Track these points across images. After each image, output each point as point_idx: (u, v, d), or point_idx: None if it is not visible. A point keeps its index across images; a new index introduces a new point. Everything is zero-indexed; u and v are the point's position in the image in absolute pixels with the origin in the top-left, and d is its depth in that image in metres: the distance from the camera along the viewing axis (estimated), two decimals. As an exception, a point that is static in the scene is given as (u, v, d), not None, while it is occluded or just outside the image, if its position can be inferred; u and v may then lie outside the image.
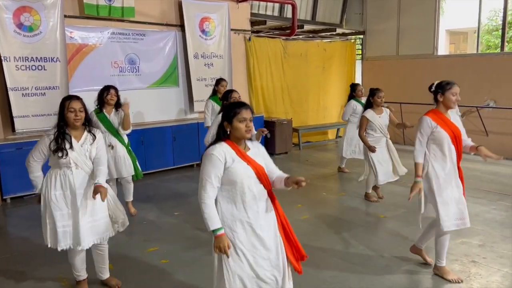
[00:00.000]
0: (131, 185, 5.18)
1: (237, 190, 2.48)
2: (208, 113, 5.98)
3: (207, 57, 7.91)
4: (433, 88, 3.50)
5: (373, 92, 5.32)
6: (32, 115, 6.12)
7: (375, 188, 5.77)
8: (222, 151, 2.44)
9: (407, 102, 9.08)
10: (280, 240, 2.62)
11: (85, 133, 3.24)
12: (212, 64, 7.99)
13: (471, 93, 8.66)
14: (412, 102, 8.84)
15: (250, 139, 2.65)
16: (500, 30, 9.29)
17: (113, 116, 4.87)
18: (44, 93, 6.20)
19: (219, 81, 6.14)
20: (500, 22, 8.95)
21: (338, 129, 10.71)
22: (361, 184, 6.71)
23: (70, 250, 3.25)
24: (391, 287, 3.47)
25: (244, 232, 2.49)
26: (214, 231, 2.41)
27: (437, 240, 3.54)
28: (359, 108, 6.59)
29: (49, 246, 3.18)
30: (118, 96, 4.86)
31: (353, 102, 6.83)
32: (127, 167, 4.97)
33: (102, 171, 3.26)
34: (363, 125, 5.31)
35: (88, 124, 3.27)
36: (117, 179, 5.08)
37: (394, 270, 3.77)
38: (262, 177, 2.53)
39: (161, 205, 5.73)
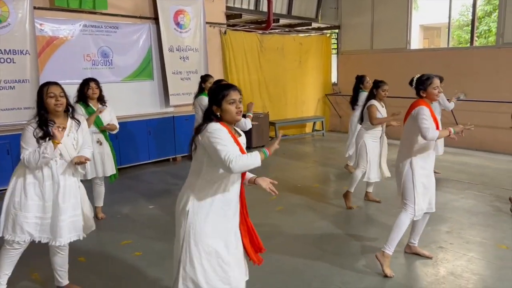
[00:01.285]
0: (103, 189, 4.94)
1: (222, 174, 2.39)
2: (201, 111, 5.83)
3: (182, 50, 7.86)
4: (414, 84, 3.58)
5: (377, 85, 5.06)
6: (1, 109, 5.97)
7: (367, 192, 5.45)
8: (224, 127, 2.35)
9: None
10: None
11: (69, 120, 3.06)
12: (187, 57, 7.94)
13: (442, 86, 8.87)
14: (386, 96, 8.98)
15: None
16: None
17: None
18: (14, 86, 6.05)
19: (205, 78, 5.91)
20: (471, 18, 9.18)
21: (314, 123, 10.82)
22: (336, 176, 6.83)
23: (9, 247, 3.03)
24: (360, 272, 3.54)
25: (217, 216, 2.43)
26: (264, 153, 2.41)
27: (395, 225, 3.57)
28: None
29: (1, 235, 2.97)
30: (100, 89, 4.67)
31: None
32: (111, 165, 4.79)
33: (85, 151, 3.15)
34: (374, 113, 4.92)
35: (71, 110, 3.09)
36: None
37: (365, 255, 3.85)
38: None
39: (136, 199, 5.68)
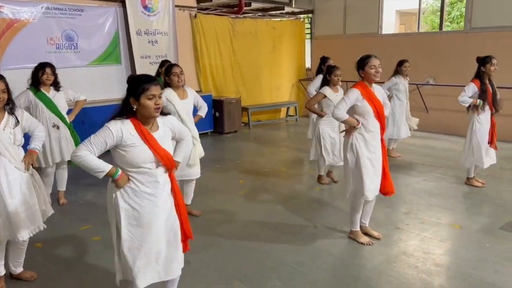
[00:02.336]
0: (66, 173, 4.89)
1: (137, 173, 2.38)
2: None
3: (150, 34, 7.73)
4: (356, 66, 3.60)
5: (329, 70, 5.10)
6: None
7: (329, 172, 5.62)
8: (121, 130, 2.31)
9: (354, 80, 9.27)
10: (177, 222, 2.57)
11: (6, 115, 2.97)
12: (156, 41, 7.81)
13: (412, 71, 8.93)
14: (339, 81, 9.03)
15: (165, 114, 2.60)
16: (441, 10, 9.59)
17: (53, 93, 4.53)
18: (-28, 70, 5.87)
19: (163, 63, 5.83)
20: (441, 3, 9.25)
21: (288, 108, 10.84)
22: (305, 160, 6.87)
23: None
24: (314, 254, 3.60)
25: (143, 212, 2.42)
26: (113, 175, 2.34)
27: (353, 207, 3.74)
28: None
29: None
30: (55, 75, 4.53)
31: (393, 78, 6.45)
32: (71, 149, 4.64)
33: (37, 136, 3.17)
34: (317, 99, 5.04)
35: (11, 105, 3.01)
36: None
37: (321, 238, 3.90)
38: (165, 161, 2.43)
39: (101, 185, 5.60)
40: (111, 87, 7.46)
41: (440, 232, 3.99)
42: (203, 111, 4.54)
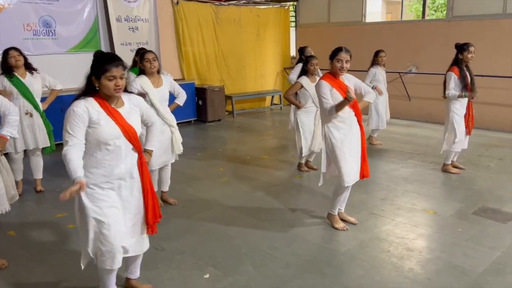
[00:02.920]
0: (41, 160, 4.83)
1: (103, 150, 2.38)
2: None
3: (131, 20, 7.62)
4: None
5: (306, 60, 5.11)
6: None
7: (307, 161, 5.62)
8: (86, 107, 2.31)
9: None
10: (142, 203, 2.58)
11: None
12: (137, 28, 7.71)
13: (395, 59, 8.99)
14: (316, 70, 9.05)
15: (131, 92, 2.59)
16: (425, -1, 9.62)
17: (29, 79, 4.47)
18: None
19: (138, 51, 5.71)
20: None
21: (272, 97, 10.82)
22: (287, 148, 6.89)
23: None
24: (289, 240, 3.62)
25: (109, 192, 2.44)
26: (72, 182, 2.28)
27: (335, 192, 3.76)
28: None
29: None
30: (24, 57, 4.46)
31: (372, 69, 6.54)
32: (44, 137, 4.64)
33: (10, 121, 3.16)
34: (295, 89, 5.05)
35: None
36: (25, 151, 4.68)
37: (297, 224, 3.93)
38: (131, 138, 2.44)
39: (80, 173, 5.57)
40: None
41: (414, 217, 4.05)
42: (181, 99, 4.44)
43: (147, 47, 7.98)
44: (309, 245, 3.54)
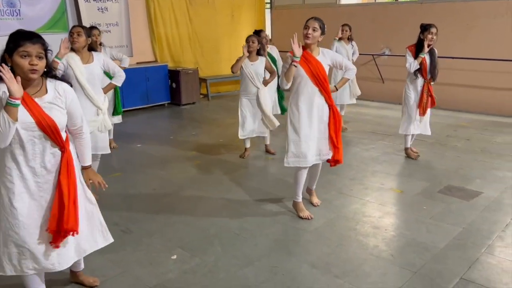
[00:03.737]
0: None
1: (17, 143, 2.13)
2: None
3: (100, 0, 7.40)
4: None
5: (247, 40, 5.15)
6: None
7: (266, 146, 5.57)
8: None
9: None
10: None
11: None
12: (106, 8, 7.50)
13: (369, 41, 9.04)
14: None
15: (58, 78, 2.27)
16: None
17: None
18: None
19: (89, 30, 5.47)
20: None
21: (248, 79, 10.74)
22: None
23: None
24: (258, 221, 3.64)
25: (21, 189, 2.19)
26: None
27: (294, 177, 3.67)
28: None
29: None
30: None
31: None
32: None
33: None
34: (237, 67, 5.02)
35: None
36: None
37: (267, 205, 3.95)
38: (48, 131, 2.15)
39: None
40: (59, 56, 7.14)
41: (382, 196, 4.12)
42: (118, 79, 4.07)
43: (117, 29, 7.82)
44: (278, 225, 3.57)
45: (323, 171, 3.95)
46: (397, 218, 3.69)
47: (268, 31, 11.15)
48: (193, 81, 8.76)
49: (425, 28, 4.83)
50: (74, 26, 3.86)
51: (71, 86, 2.37)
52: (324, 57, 3.49)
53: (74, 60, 3.71)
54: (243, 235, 3.39)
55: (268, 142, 5.57)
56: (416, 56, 4.83)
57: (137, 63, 8.38)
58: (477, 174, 4.65)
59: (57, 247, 2.29)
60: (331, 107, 3.49)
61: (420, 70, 4.87)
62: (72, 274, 2.76)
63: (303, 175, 3.62)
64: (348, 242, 3.28)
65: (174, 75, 8.59)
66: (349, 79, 3.74)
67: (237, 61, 5.05)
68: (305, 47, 3.44)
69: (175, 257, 3.09)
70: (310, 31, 3.35)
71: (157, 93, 8.50)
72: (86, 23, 7.23)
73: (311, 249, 3.19)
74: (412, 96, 5.01)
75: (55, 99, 2.22)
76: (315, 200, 3.95)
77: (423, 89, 4.94)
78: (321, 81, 3.42)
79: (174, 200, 4.12)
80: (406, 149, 5.29)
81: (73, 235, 2.30)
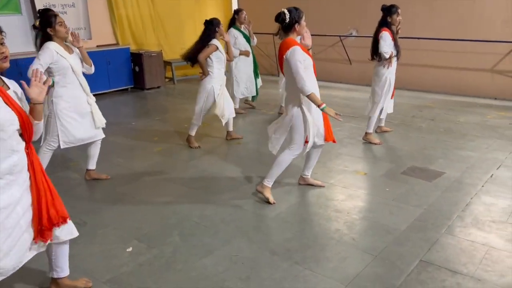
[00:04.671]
0: None
1: None
2: None
3: (54, -21, 6.99)
4: (287, 19, 3.33)
5: (214, 23, 4.81)
6: None
7: (228, 132, 5.39)
8: None
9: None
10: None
11: None
12: (61, -12, 7.10)
13: (336, 22, 8.96)
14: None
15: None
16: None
17: None
18: None
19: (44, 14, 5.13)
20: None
21: (215, 62, 10.51)
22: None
23: None
24: (220, 207, 3.54)
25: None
26: None
27: (277, 162, 3.57)
28: (240, 39, 6.21)
29: None
30: None
31: (233, 30, 6.22)
32: None
33: None
34: (209, 52, 4.69)
35: None
36: None
37: (230, 190, 3.86)
38: (26, 125, 2.06)
39: None
40: (12, 40, 6.70)
41: (345, 179, 4.09)
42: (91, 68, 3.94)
43: (74, 10, 7.45)
44: (240, 211, 3.47)
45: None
46: (360, 200, 3.66)
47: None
48: (157, 65, 8.47)
49: (391, 10, 4.74)
50: (56, 16, 3.55)
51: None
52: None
53: (62, 50, 3.57)
54: (203, 224, 3.29)
55: (231, 129, 5.37)
56: (395, 41, 4.81)
57: (97, 46, 8.03)
58: (440, 154, 4.68)
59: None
60: None
61: (398, 53, 4.86)
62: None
63: (287, 162, 3.57)
64: (310, 226, 3.22)
65: (136, 58, 8.28)
66: None
67: (207, 50, 4.70)
68: (295, 40, 3.40)
69: (130, 249, 2.96)
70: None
71: (119, 77, 8.19)
72: (39, 4, 6.86)
73: (273, 235, 3.12)
74: (388, 78, 4.94)
75: (17, 92, 2.11)
76: (319, 182, 3.92)
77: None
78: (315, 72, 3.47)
79: (133, 189, 3.96)
80: (369, 134, 5.13)
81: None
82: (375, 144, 5.06)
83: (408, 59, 8.36)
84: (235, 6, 10.74)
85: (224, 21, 10.58)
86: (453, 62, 7.78)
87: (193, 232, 3.18)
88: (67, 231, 2.31)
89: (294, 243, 2.99)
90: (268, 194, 3.60)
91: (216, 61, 4.78)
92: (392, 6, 4.77)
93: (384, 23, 4.83)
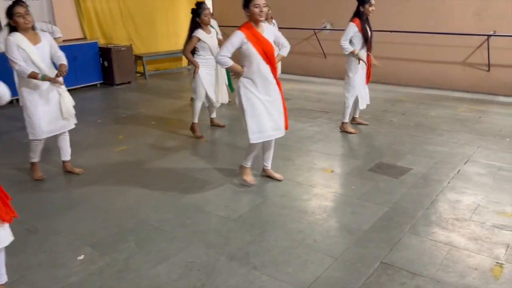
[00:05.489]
0: None
1: None
2: None
3: (13, -29, 6.67)
4: (242, 4, 3.42)
5: (197, 12, 4.72)
6: None
7: (211, 119, 5.58)
8: None
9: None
10: None
11: None
12: (21, -20, 6.78)
13: (311, 16, 8.85)
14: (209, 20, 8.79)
15: None
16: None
17: None
18: None
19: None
20: None
21: (189, 56, 10.30)
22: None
23: None
24: (181, 210, 3.41)
25: None
26: None
27: (248, 146, 3.71)
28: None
29: None
30: None
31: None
32: None
33: None
34: (192, 44, 4.77)
35: None
36: None
37: (194, 192, 3.73)
38: None
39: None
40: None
41: (312, 177, 4.00)
42: (64, 59, 3.92)
43: (37, 3, 7.18)
44: (201, 214, 3.35)
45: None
46: (325, 200, 3.57)
47: (209, 5, 10.69)
48: (127, 59, 8.24)
49: (364, 0, 4.79)
50: (17, 5, 3.49)
51: None
52: (269, 33, 3.51)
53: (23, 40, 3.52)
54: (162, 228, 3.16)
55: (214, 116, 5.55)
56: (363, 31, 4.83)
57: (63, 40, 7.73)
58: (409, 149, 4.64)
59: None
60: (277, 83, 3.59)
61: (365, 44, 4.90)
62: None
63: (259, 146, 3.70)
64: (272, 228, 3.13)
65: (105, 53, 8.03)
66: (284, 56, 3.77)
67: (190, 42, 4.80)
68: (251, 26, 3.41)
69: (82, 257, 2.81)
70: (264, 9, 3.35)
71: (87, 73, 7.93)
72: (-2, -4, 6.54)
73: (232, 238, 3.01)
74: (359, 68, 5.01)
75: None
76: (277, 175, 3.92)
77: (368, 61, 5.05)
78: (271, 59, 3.47)
79: (92, 191, 3.80)
80: (346, 124, 5.23)
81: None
82: (351, 133, 5.17)
83: (381, 52, 8.33)
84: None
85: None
86: (426, 55, 7.77)
87: (150, 237, 3.04)
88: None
89: (254, 247, 2.89)
90: (245, 176, 3.78)
91: (201, 49, 4.86)
92: None
93: (357, 13, 4.88)
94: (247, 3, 3.36)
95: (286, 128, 3.71)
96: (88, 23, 8.16)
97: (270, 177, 3.93)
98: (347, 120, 5.23)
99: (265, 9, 3.37)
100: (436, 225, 3.12)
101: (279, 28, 6.26)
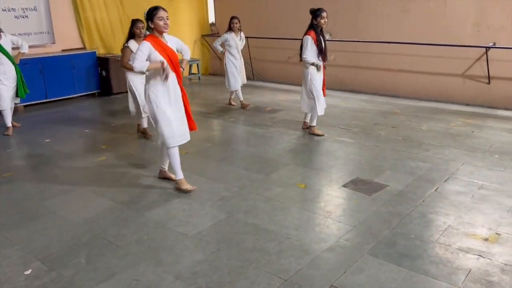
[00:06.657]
0: None
1: None
2: None
3: (12, -18, 6.84)
4: (145, 17, 3.63)
5: (133, 23, 5.27)
6: None
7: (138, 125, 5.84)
8: None
9: (256, 36, 8.94)
10: None
11: None
12: (20, -9, 6.94)
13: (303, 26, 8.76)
14: (259, 37, 8.76)
15: None
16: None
17: None
18: None
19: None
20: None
21: (190, 66, 10.35)
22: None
23: None
24: (140, 225, 3.36)
25: None
26: None
27: (169, 157, 3.88)
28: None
29: None
30: None
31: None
32: None
33: None
34: (127, 55, 5.14)
35: None
36: None
37: (158, 205, 3.68)
38: None
39: None
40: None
41: (284, 192, 3.90)
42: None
43: (35, 14, 7.33)
44: (160, 229, 3.29)
45: (232, 166, 3.94)
46: (290, 217, 3.46)
47: (211, 15, 10.73)
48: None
49: (316, 13, 4.97)
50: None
51: None
52: (172, 43, 3.76)
53: None
54: (116, 243, 3.11)
55: (146, 125, 5.69)
56: (317, 43, 5.05)
57: (62, 50, 7.87)
58: (390, 165, 4.50)
59: None
60: (181, 89, 3.80)
61: (320, 54, 5.11)
62: None
63: (177, 151, 3.86)
64: (227, 247, 3.04)
65: (103, 62, 8.12)
66: (188, 60, 4.06)
67: (125, 54, 5.28)
68: (155, 37, 3.62)
69: (29, 271, 2.78)
70: (167, 21, 3.61)
71: (85, 82, 8.03)
72: (-2, 7, 6.70)
73: (185, 256, 2.94)
74: (318, 78, 5.24)
75: None
76: (173, 176, 4.04)
77: (324, 71, 5.32)
78: (176, 66, 3.71)
79: (59, 202, 3.79)
80: (312, 127, 5.51)
81: None
82: (319, 135, 5.43)
83: (380, 64, 8.20)
84: (210, 7, 10.59)
85: (200, 21, 10.48)
86: (424, 67, 7.58)
87: (102, 252, 3.00)
88: None
89: (203, 266, 2.81)
90: (184, 186, 3.88)
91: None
92: (317, 9, 5.03)
93: (311, 26, 5.09)
94: (151, 16, 3.55)
95: (194, 129, 3.95)
96: (88, 33, 8.26)
97: (167, 178, 4.14)
98: (314, 123, 5.53)
99: (168, 21, 3.59)
100: (398, 246, 2.98)
101: (274, 38, 6.51)
